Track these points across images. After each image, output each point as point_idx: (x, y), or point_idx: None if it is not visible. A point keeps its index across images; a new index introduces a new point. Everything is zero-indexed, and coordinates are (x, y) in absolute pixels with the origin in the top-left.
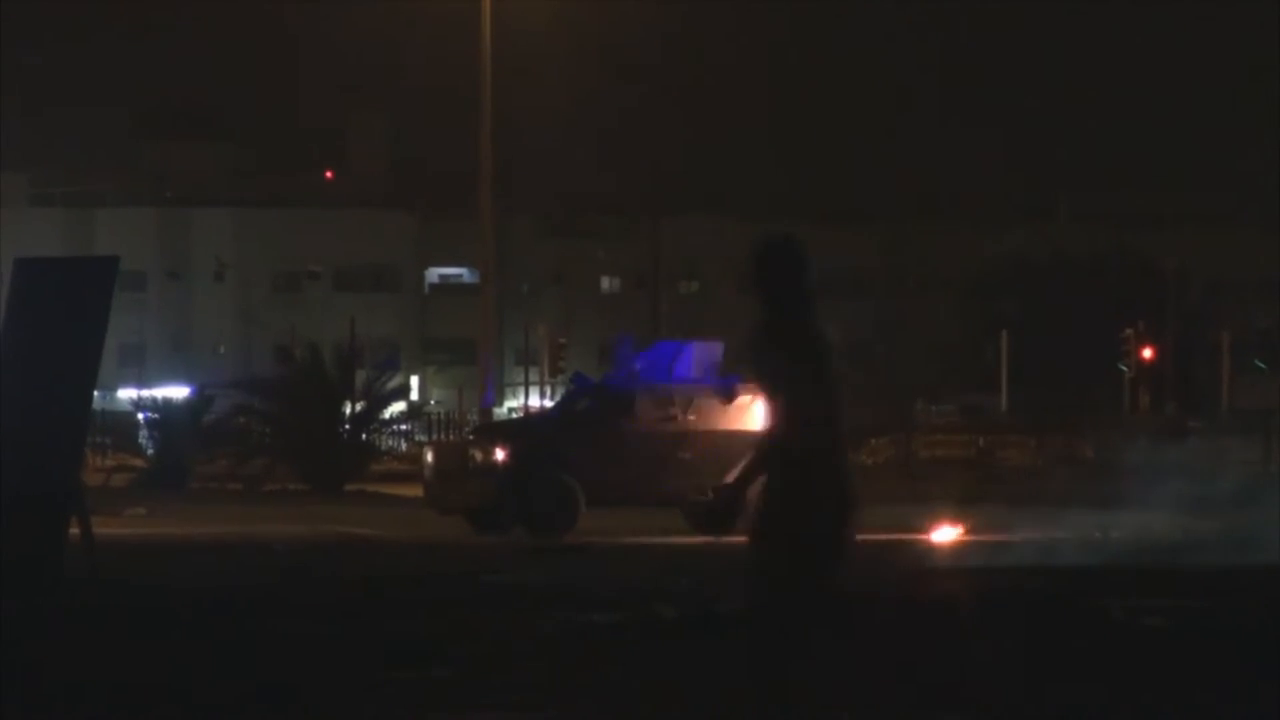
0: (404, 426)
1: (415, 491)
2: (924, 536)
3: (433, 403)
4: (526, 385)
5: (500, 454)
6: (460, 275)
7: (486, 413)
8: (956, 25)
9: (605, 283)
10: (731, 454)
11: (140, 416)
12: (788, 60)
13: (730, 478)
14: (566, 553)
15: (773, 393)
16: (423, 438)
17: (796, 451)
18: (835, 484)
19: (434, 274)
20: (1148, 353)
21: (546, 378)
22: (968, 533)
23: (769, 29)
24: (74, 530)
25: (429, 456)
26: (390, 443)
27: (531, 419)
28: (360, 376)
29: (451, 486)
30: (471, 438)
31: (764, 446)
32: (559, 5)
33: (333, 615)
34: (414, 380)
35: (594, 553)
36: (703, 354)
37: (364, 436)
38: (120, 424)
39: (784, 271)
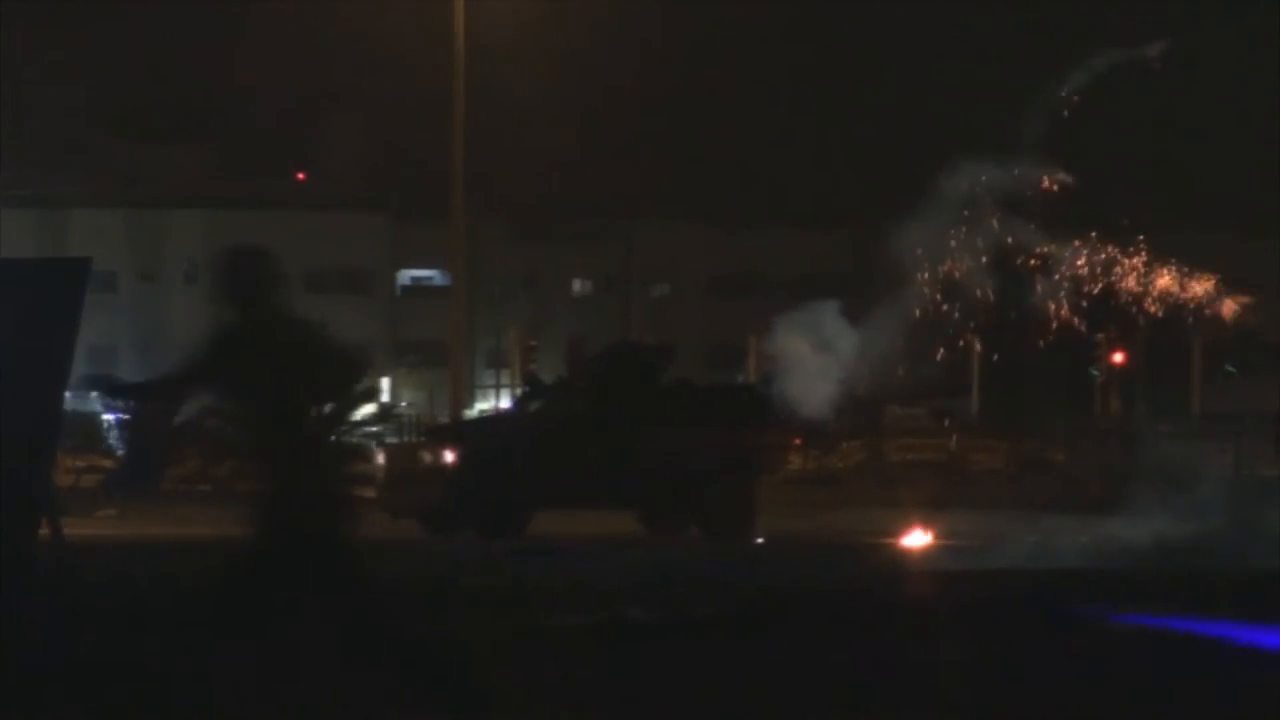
0: (375, 429)
1: None
2: (895, 540)
3: (404, 405)
4: (498, 388)
5: (450, 456)
6: (431, 278)
7: (458, 415)
8: (921, 23)
9: (577, 285)
10: (685, 455)
11: (110, 418)
12: (761, 64)
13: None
14: (530, 555)
15: (232, 393)
16: (394, 440)
17: (262, 451)
18: (307, 482)
19: (405, 276)
20: (1118, 357)
21: (517, 380)
22: (938, 537)
23: (743, 33)
24: (43, 531)
25: (381, 459)
26: (361, 445)
27: (483, 421)
28: None
29: (403, 489)
30: (423, 440)
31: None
32: (533, 8)
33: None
34: (385, 382)
35: (557, 554)
36: (656, 357)
37: (334, 439)
38: (89, 425)
39: (245, 278)
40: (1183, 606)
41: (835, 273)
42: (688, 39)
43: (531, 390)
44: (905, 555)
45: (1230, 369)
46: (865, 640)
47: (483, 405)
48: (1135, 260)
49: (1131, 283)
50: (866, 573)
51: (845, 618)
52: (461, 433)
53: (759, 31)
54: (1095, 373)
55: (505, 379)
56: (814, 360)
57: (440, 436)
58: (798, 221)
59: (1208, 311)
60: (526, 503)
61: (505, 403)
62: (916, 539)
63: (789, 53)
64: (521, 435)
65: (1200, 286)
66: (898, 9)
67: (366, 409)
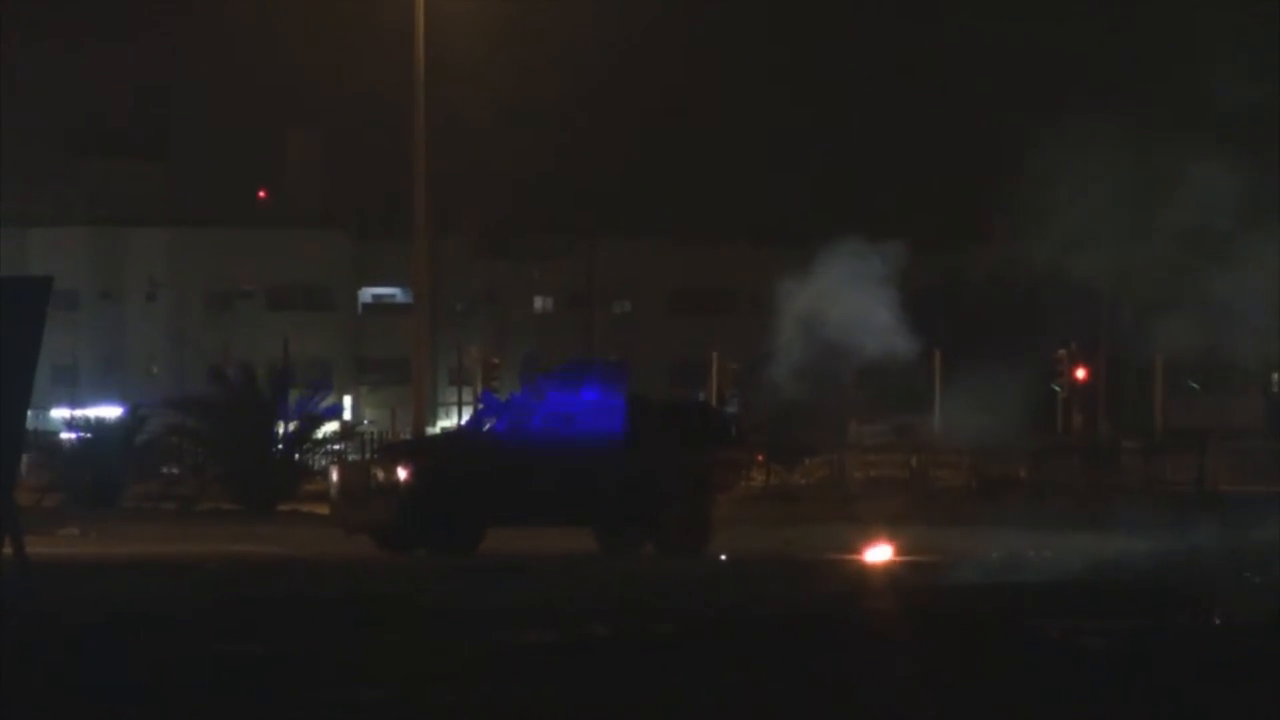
0: (337, 446)
1: None
2: (858, 556)
3: (366, 422)
4: (460, 405)
5: (402, 473)
6: (394, 295)
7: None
8: (891, 42)
9: (539, 302)
10: (642, 472)
11: (70, 436)
12: (722, 82)
13: None
14: (490, 572)
15: None
16: (355, 457)
17: None
18: None
19: (367, 294)
20: (1081, 373)
21: (479, 397)
22: (901, 553)
23: (705, 51)
24: (6, 550)
25: (334, 476)
26: (323, 462)
27: (436, 439)
28: (293, 396)
29: (355, 506)
30: (375, 457)
31: None
32: (494, 26)
33: (262, 635)
34: (347, 400)
35: (520, 571)
36: (610, 374)
37: (297, 456)
38: (51, 444)
39: None
40: (1145, 620)
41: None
42: (650, 57)
43: (486, 407)
44: (867, 571)
45: (1193, 385)
46: (827, 657)
47: (445, 422)
48: None
49: None
50: (827, 590)
51: (807, 635)
52: (415, 450)
53: (721, 49)
54: (1057, 389)
55: (467, 396)
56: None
57: (393, 454)
58: (760, 237)
59: None
60: (479, 520)
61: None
62: (878, 555)
63: (750, 70)
64: (476, 452)
65: None
66: (863, 27)
67: (329, 427)
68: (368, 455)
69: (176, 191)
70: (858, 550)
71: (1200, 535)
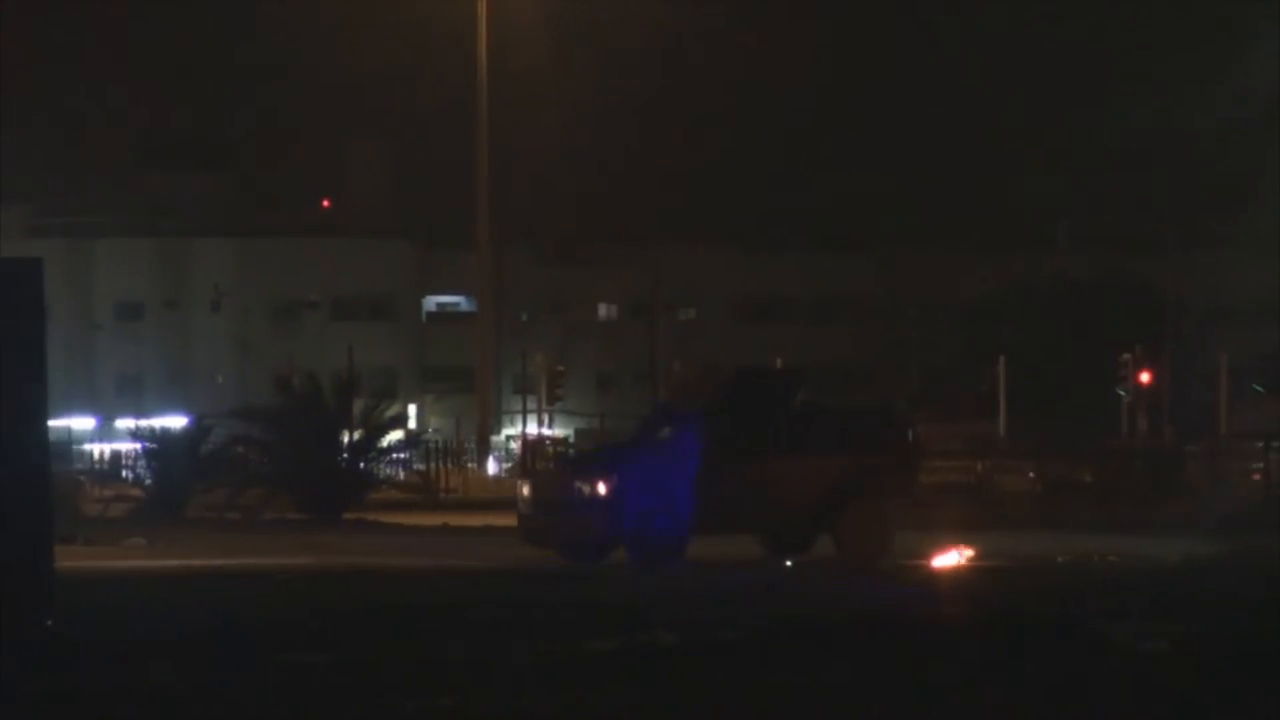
0: (402, 455)
1: (416, 520)
2: (927, 562)
3: (431, 430)
4: (524, 413)
5: (608, 486)
6: (458, 303)
7: (485, 441)
8: (954, 47)
9: (603, 310)
10: (821, 478)
11: (137, 446)
12: (788, 87)
13: None
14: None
15: None
16: (420, 465)
17: None
18: None
19: (431, 302)
20: (1145, 377)
21: (544, 405)
22: (970, 558)
23: (769, 58)
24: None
25: (526, 489)
26: (388, 471)
27: (630, 450)
28: (358, 405)
29: (554, 518)
30: (562, 468)
31: None
32: (559, 33)
33: (345, 644)
34: (412, 408)
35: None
36: (788, 382)
37: (362, 465)
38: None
39: None
40: (1214, 625)
41: (860, 295)
42: (713, 66)
43: (662, 417)
44: (937, 577)
45: (1258, 388)
46: (895, 662)
47: (510, 430)
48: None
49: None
50: (898, 595)
51: (875, 640)
52: (618, 461)
53: (785, 56)
54: (1123, 393)
55: (532, 404)
56: None
57: (593, 465)
58: (822, 245)
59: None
60: (687, 531)
61: (532, 428)
62: (948, 560)
63: (814, 77)
64: (676, 463)
65: None
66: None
67: (394, 435)
68: (432, 464)
69: (241, 202)
70: (928, 556)
71: (1264, 540)
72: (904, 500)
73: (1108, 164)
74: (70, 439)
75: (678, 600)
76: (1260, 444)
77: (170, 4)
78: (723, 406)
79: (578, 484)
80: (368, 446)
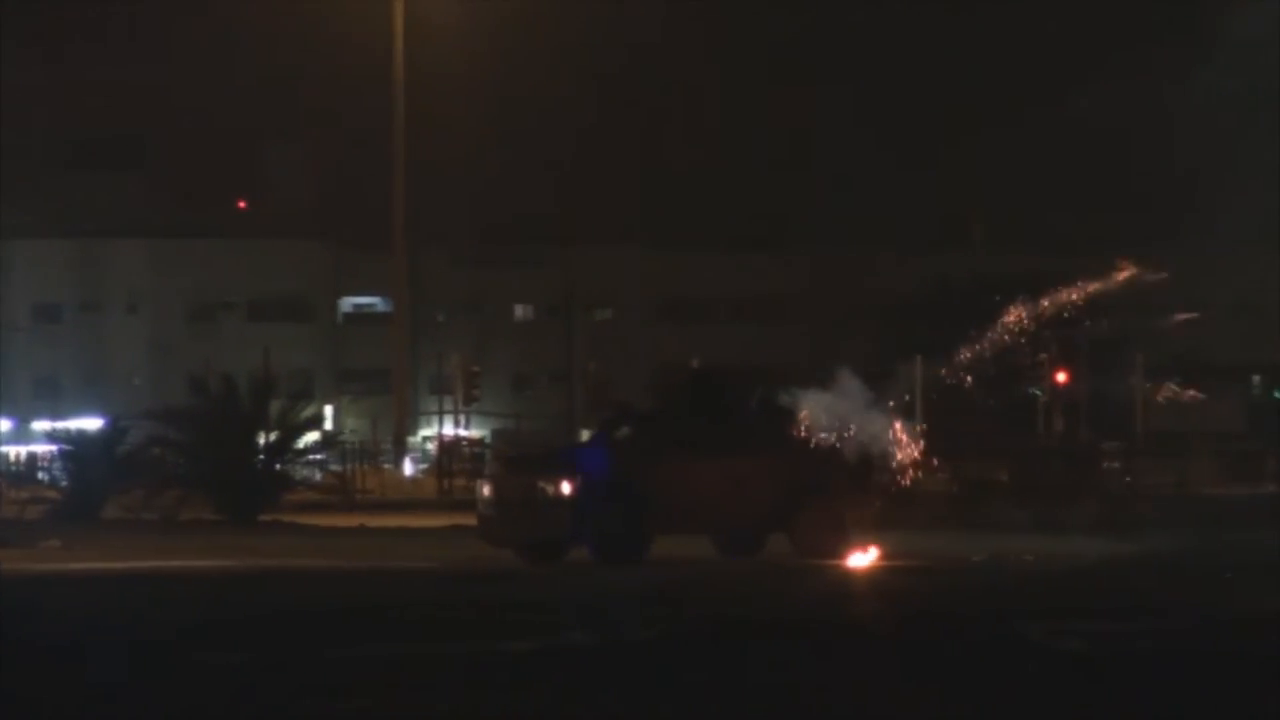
0: (318, 456)
1: (332, 521)
2: (840, 561)
3: (347, 432)
4: (441, 414)
5: (568, 486)
6: (374, 304)
7: (401, 442)
8: (872, 50)
9: (519, 311)
10: (779, 478)
11: (54, 448)
12: (702, 88)
13: None
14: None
15: None
16: (337, 467)
17: None
18: None
19: (348, 303)
20: (1061, 377)
21: (461, 406)
22: (884, 557)
23: (685, 58)
24: None
25: (486, 490)
26: (305, 472)
27: (587, 449)
28: (274, 406)
29: (516, 519)
30: (523, 468)
31: None
32: (476, 35)
33: (260, 646)
34: (328, 410)
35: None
36: (749, 382)
37: (278, 466)
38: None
39: None
40: (1130, 623)
41: (779, 295)
42: (629, 65)
43: (621, 418)
44: (850, 576)
45: (1174, 386)
46: (811, 662)
47: (426, 431)
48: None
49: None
50: (810, 594)
51: (788, 640)
52: (576, 462)
53: (701, 56)
54: (1038, 392)
55: (448, 405)
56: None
57: (549, 466)
58: (740, 245)
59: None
60: (650, 530)
61: (449, 429)
62: (861, 559)
63: (731, 76)
64: (641, 462)
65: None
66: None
67: (310, 436)
68: (348, 465)
69: (158, 203)
70: (840, 555)
71: (1181, 537)
72: (861, 499)
73: (1026, 163)
74: None
75: (601, 600)
76: (1177, 443)
77: (86, 3)
78: (681, 407)
79: (540, 484)
80: (284, 448)
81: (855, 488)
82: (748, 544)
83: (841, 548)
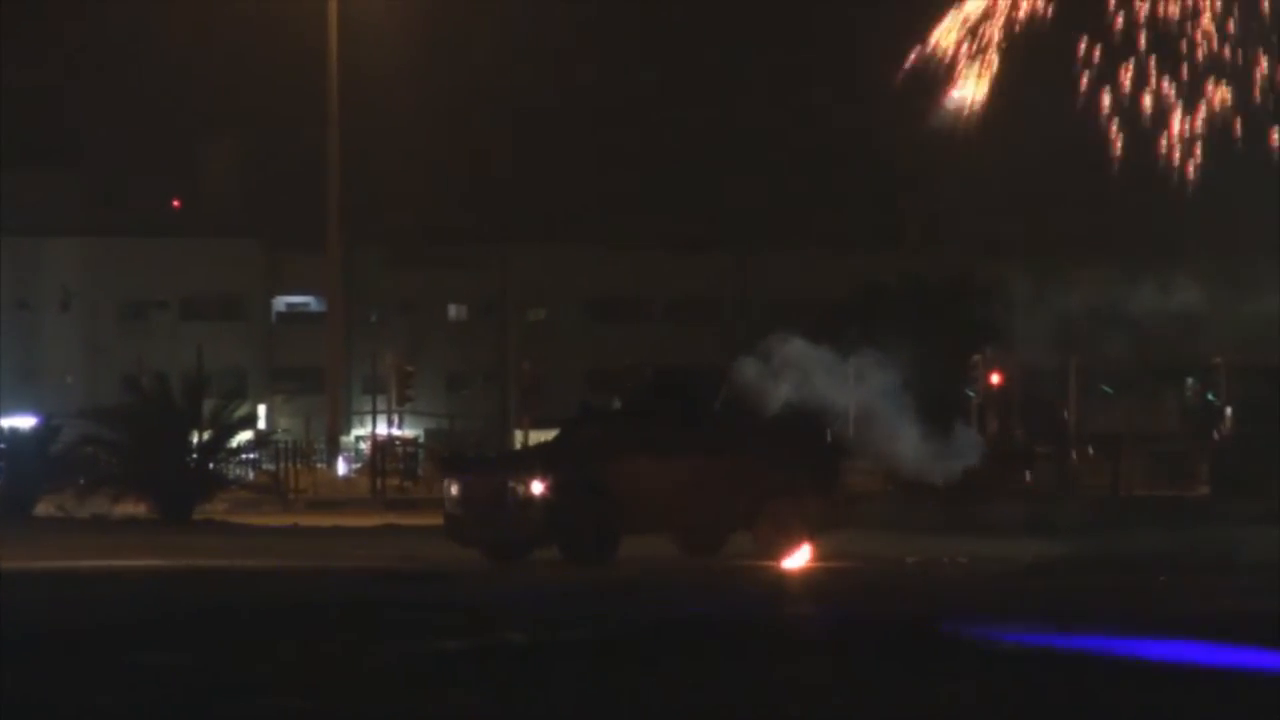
0: (251, 455)
1: (265, 520)
2: (774, 563)
3: (280, 431)
4: (374, 413)
5: (539, 486)
6: (308, 304)
7: (334, 441)
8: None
9: (453, 311)
10: (743, 477)
11: None
12: (637, 89)
13: None
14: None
15: None
16: (270, 466)
17: None
18: None
19: (281, 302)
20: (995, 378)
21: (394, 405)
22: (817, 559)
23: (619, 58)
24: None
25: (454, 489)
26: (238, 471)
27: (555, 449)
28: (207, 405)
29: (485, 519)
30: (492, 468)
31: None
32: (409, 34)
33: (193, 646)
34: (261, 409)
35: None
36: (712, 383)
37: (211, 465)
38: None
39: None
40: (1061, 624)
41: (712, 295)
42: (563, 65)
43: (585, 418)
44: (787, 578)
45: (1107, 389)
46: (741, 664)
47: (359, 431)
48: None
49: None
50: (744, 596)
51: (720, 641)
52: (545, 462)
53: (635, 56)
54: (972, 394)
55: (381, 405)
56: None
57: (518, 466)
58: (676, 245)
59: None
60: (620, 530)
61: (382, 429)
62: (795, 560)
63: (665, 76)
64: (610, 462)
65: None
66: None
67: (243, 435)
68: (282, 464)
69: (91, 201)
70: (775, 556)
71: (1114, 538)
72: (825, 500)
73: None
74: None
75: (538, 600)
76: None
77: (16, 1)
78: (646, 406)
79: (510, 484)
80: (217, 447)
81: (821, 489)
82: (710, 544)
83: (799, 550)
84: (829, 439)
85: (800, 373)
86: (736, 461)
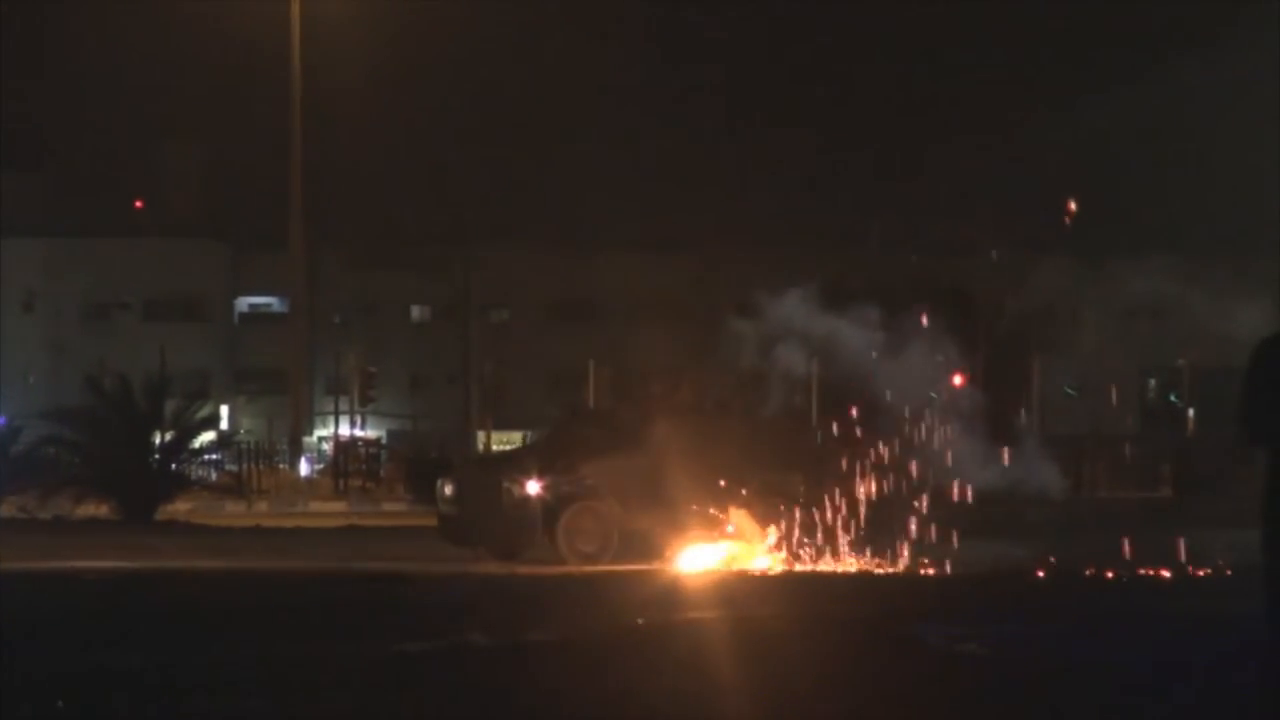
0: (214, 456)
1: (228, 521)
2: (744, 566)
3: (242, 432)
4: (337, 414)
5: (535, 486)
6: (270, 304)
7: (297, 442)
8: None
9: (415, 312)
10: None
11: None
12: (599, 89)
13: None
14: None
15: None
16: (233, 467)
17: None
18: None
19: (244, 303)
20: (958, 380)
21: (357, 406)
22: (786, 562)
23: (581, 59)
24: None
25: (448, 489)
26: (200, 472)
27: (551, 450)
28: (170, 406)
29: (481, 518)
30: (487, 468)
31: None
32: (372, 36)
33: (154, 646)
34: (224, 409)
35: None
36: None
37: (174, 466)
38: None
39: None
40: (1020, 625)
41: (675, 297)
42: (525, 65)
43: (579, 419)
44: (749, 580)
45: (1070, 390)
46: (706, 664)
47: (322, 432)
48: None
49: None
50: (704, 597)
51: (680, 642)
52: (542, 462)
53: (597, 57)
54: (934, 395)
55: (344, 405)
56: None
57: (514, 466)
58: (638, 246)
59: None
60: (615, 529)
61: (345, 429)
62: (762, 563)
63: (625, 77)
64: (602, 464)
65: None
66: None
67: (206, 436)
68: (245, 464)
69: (52, 202)
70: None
71: (1077, 540)
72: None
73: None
74: None
75: (506, 601)
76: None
77: None
78: (634, 407)
79: (505, 484)
80: (179, 447)
81: (809, 495)
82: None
83: (795, 547)
84: (818, 442)
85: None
86: (723, 462)
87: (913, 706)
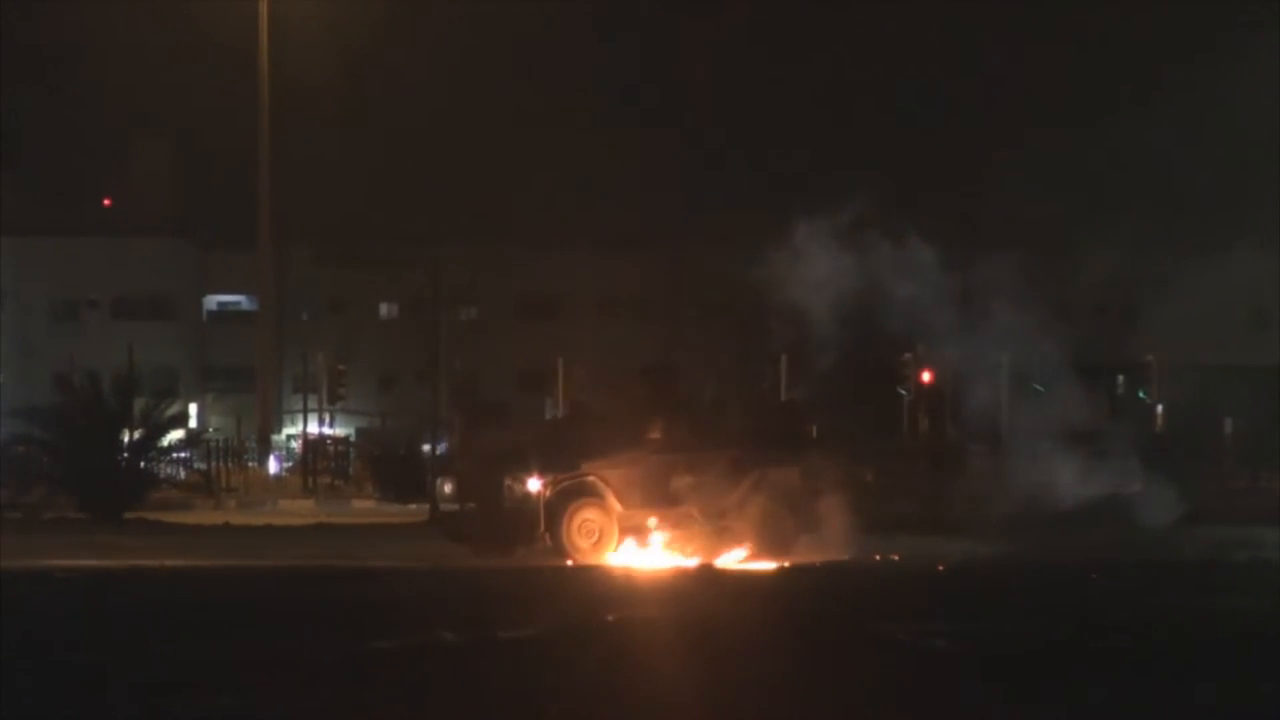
0: (183, 454)
1: (197, 519)
2: (706, 561)
3: (211, 430)
4: (305, 412)
5: (536, 483)
6: (239, 303)
7: (266, 440)
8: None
9: (384, 310)
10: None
11: None
12: (564, 87)
13: None
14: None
15: None
16: (202, 465)
17: None
18: None
19: (212, 301)
20: (926, 376)
21: (325, 404)
22: (751, 557)
23: (547, 57)
24: None
25: (448, 486)
26: (169, 470)
27: (549, 445)
28: (139, 404)
29: (485, 517)
30: (488, 465)
31: None
32: (341, 34)
33: (124, 645)
34: (193, 408)
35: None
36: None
37: (143, 464)
38: None
39: None
40: (992, 624)
41: (643, 295)
42: (491, 64)
43: (577, 415)
44: (719, 576)
45: (1038, 387)
46: (677, 661)
47: (291, 430)
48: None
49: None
50: (676, 593)
51: (651, 638)
52: (543, 459)
53: (562, 55)
54: (904, 392)
55: (313, 403)
56: None
57: (514, 463)
58: (606, 244)
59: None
60: (618, 526)
61: (314, 427)
62: (728, 559)
63: (591, 75)
64: (604, 460)
65: None
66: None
67: (174, 434)
68: (214, 463)
69: (20, 200)
70: (705, 555)
71: (1045, 539)
72: (817, 500)
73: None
74: None
75: (479, 599)
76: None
77: None
78: (634, 404)
79: (507, 482)
80: (149, 446)
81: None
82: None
83: (794, 542)
84: (813, 433)
85: None
86: (725, 457)
87: (879, 701)
